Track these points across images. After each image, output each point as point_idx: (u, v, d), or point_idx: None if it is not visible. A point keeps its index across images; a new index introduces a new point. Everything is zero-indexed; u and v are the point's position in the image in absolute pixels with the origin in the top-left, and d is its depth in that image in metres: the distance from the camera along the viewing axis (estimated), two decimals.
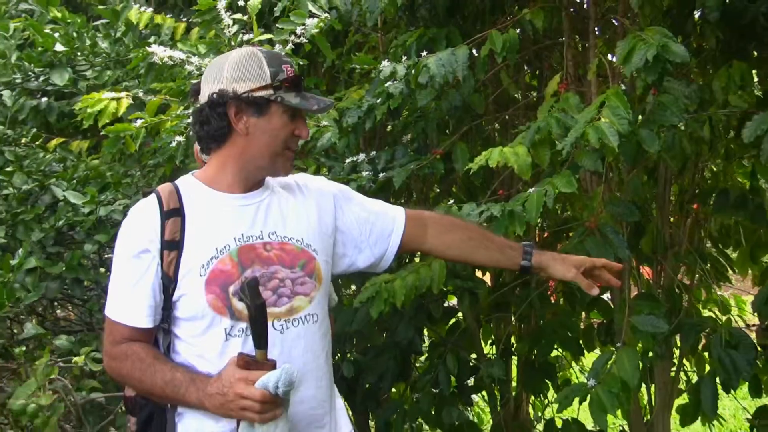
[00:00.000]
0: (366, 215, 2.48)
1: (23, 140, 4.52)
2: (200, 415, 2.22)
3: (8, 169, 4.10)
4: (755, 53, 3.47)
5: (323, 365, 2.34)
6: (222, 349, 2.20)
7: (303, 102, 2.29)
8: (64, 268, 3.78)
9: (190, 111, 3.39)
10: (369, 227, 2.48)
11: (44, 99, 4.75)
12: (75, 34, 4.71)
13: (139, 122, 3.67)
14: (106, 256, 4.21)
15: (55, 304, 4.55)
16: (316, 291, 2.32)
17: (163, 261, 2.25)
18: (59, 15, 4.85)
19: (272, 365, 2.08)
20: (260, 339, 2.09)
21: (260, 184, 2.39)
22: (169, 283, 2.25)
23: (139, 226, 2.30)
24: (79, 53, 4.75)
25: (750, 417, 3.41)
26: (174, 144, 3.64)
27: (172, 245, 2.25)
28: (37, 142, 4.53)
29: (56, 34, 4.71)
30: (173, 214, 2.29)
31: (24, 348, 3.56)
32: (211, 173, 2.37)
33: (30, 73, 4.81)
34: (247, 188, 2.35)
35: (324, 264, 2.36)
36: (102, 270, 4.22)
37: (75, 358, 3.47)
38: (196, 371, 2.22)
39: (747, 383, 3.57)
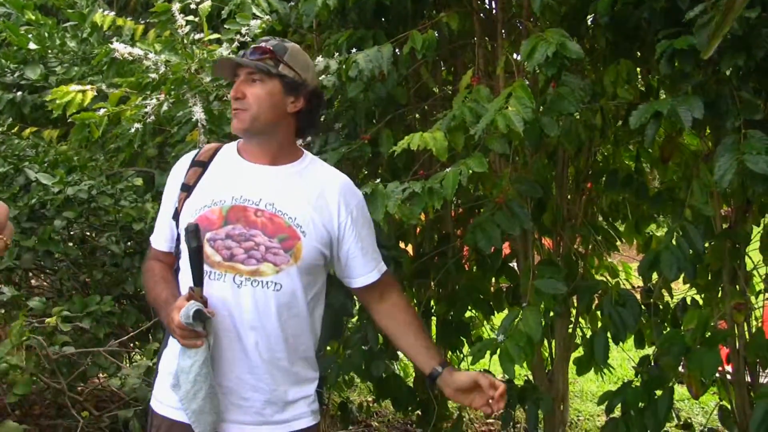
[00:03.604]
0: (356, 244, 2.35)
1: (0, 129, 4.40)
2: (174, 341, 2.22)
3: None
4: (639, 53, 3.42)
5: (273, 328, 2.21)
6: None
7: None
8: (36, 242, 3.70)
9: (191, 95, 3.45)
10: (350, 253, 2.35)
11: (19, 93, 4.63)
12: (46, 35, 4.62)
13: (102, 111, 3.55)
14: (73, 231, 4.11)
15: (30, 274, 4.41)
16: (288, 265, 2.20)
17: (178, 200, 2.31)
18: (33, 17, 4.75)
19: (204, 301, 2.07)
20: (195, 277, 2.10)
21: (288, 160, 2.33)
22: (176, 218, 2.30)
23: (174, 169, 2.41)
24: (50, 51, 4.68)
25: (635, 365, 3.39)
26: (133, 130, 3.51)
27: (186, 188, 2.32)
28: (12, 131, 4.43)
29: (30, 35, 4.60)
30: (198, 164, 2.35)
31: (3, 311, 3.50)
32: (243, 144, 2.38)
33: (6, 69, 4.70)
34: (271, 161, 2.31)
35: (311, 249, 2.23)
36: (70, 244, 4.09)
37: (48, 319, 3.42)
38: (174, 296, 2.22)
39: (633, 336, 3.61)
